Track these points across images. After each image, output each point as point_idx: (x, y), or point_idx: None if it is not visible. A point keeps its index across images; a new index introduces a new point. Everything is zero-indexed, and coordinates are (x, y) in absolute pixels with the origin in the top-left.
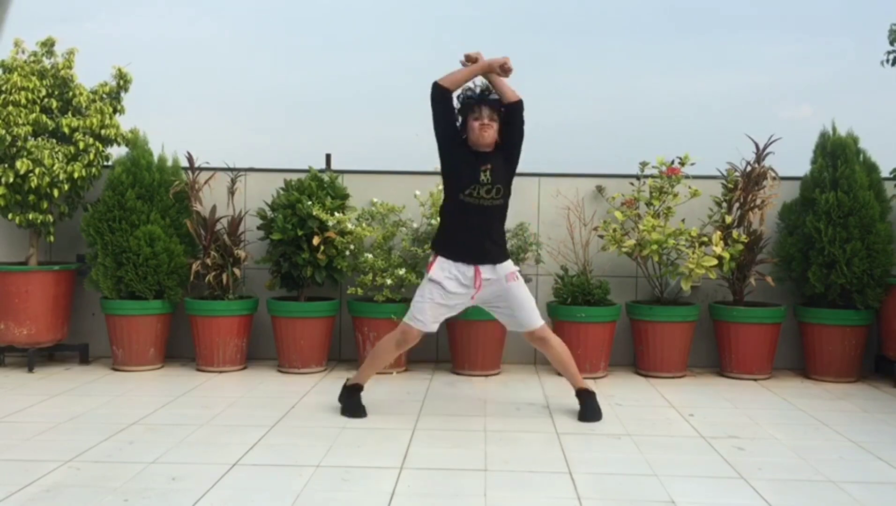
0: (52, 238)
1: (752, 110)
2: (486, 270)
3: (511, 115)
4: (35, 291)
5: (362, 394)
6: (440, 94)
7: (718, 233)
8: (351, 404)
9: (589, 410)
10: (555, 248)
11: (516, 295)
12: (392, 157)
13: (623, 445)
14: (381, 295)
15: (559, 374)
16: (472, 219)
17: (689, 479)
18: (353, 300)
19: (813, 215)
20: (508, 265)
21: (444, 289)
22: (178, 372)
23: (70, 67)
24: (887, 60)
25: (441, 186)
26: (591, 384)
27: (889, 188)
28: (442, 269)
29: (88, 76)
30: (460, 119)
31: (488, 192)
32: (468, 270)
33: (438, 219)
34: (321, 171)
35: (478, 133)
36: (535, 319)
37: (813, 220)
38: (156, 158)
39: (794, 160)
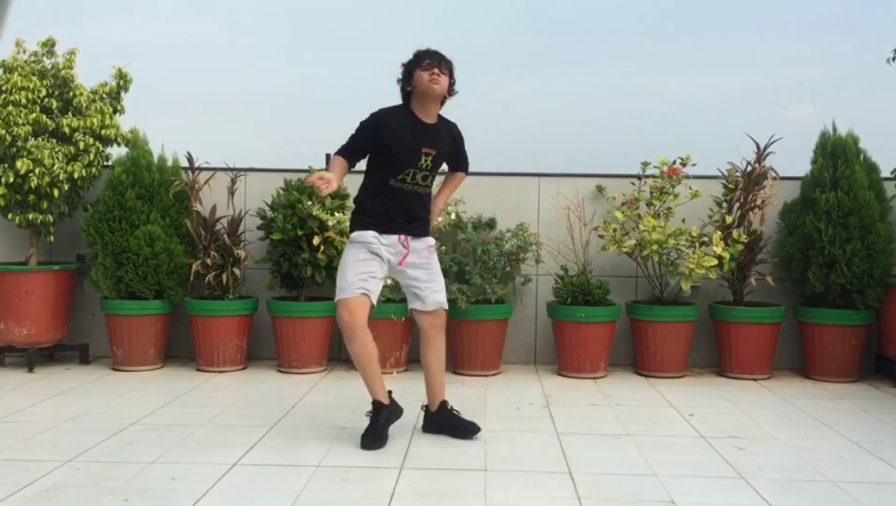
0: (52, 238)
1: (752, 110)
2: (410, 239)
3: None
4: (35, 291)
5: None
6: (351, 162)
7: (718, 233)
8: (370, 429)
9: (459, 424)
10: (555, 248)
11: (436, 268)
12: None
13: (623, 445)
14: (381, 295)
15: (559, 374)
16: (401, 200)
17: (689, 479)
18: None
19: (813, 215)
20: (430, 239)
21: (368, 244)
22: (178, 372)
23: (70, 67)
24: (893, 58)
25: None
26: (591, 384)
27: (889, 188)
28: (362, 234)
29: (89, 76)
30: (406, 73)
31: (424, 178)
32: (391, 236)
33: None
34: (321, 171)
35: (427, 83)
36: (440, 298)
37: (813, 220)
38: (156, 158)
39: (794, 160)
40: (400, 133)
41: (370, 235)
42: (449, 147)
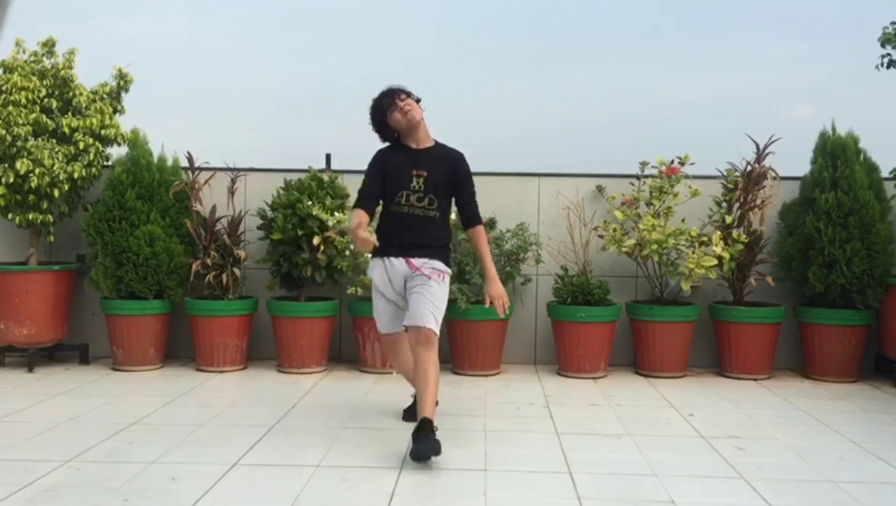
0: (52, 238)
1: (752, 110)
2: (416, 261)
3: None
4: (35, 291)
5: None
6: (371, 210)
7: (718, 233)
8: (425, 441)
9: (424, 443)
10: (555, 248)
11: (428, 290)
12: None
13: (623, 445)
14: None
15: (559, 374)
16: (404, 231)
17: (689, 479)
18: (353, 300)
19: (813, 215)
20: (438, 264)
21: (376, 287)
22: (178, 372)
23: (70, 67)
24: (882, 64)
25: None
26: (591, 384)
27: (889, 188)
28: (375, 267)
29: (89, 76)
30: (379, 123)
31: (419, 200)
32: (399, 260)
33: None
34: (321, 170)
35: (403, 119)
36: (431, 320)
37: (813, 220)
38: (156, 158)
39: (794, 160)
40: (393, 160)
41: (377, 274)
42: (447, 168)
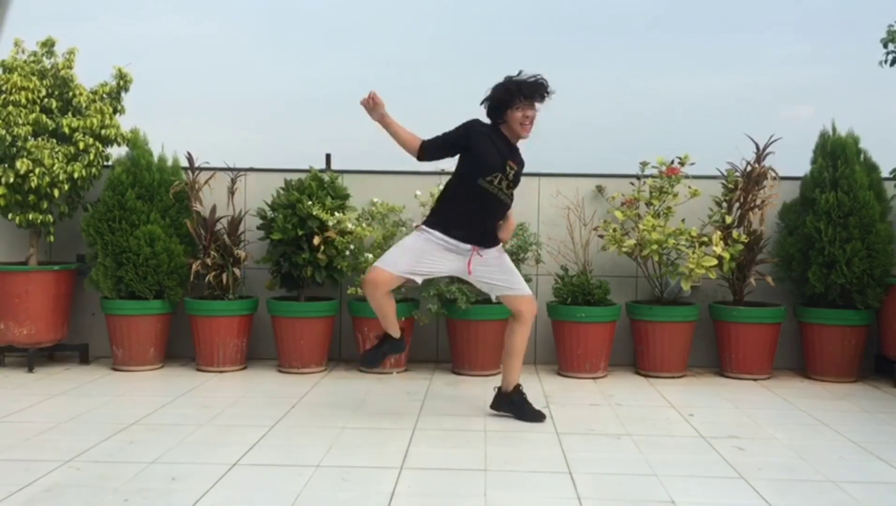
0: (52, 238)
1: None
2: (481, 250)
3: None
4: (35, 291)
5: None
6: (425, 157)
7: (718, 233)
8: (369, 349)
9: (524, 409)
10: (555, 248)
11: (508, 263)
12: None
13: (623, 445)
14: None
15: (559, 374)
16: (485, 206)
17: (689, 479)
18: (353, 300)
19: (813, 215)
20: (499, 246)
21: (436, 246)
22: (178, 372)
23: (70, 67)
24: (885, 61)
25: (441, 185)
26: (591, 384)
27: (889, 188)
28: (433, 234)
29: (89, 76)
30: (496, 106)
31: (508, 186)
32: (463, 244)
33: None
34: (321, 171)
35: (518, 128)
36: (525, 287)
37: (813, 220)
38: (156, 158)
39: (794, 160)
40: (491, 141)
41: (437, 242)
42: (520, 169)
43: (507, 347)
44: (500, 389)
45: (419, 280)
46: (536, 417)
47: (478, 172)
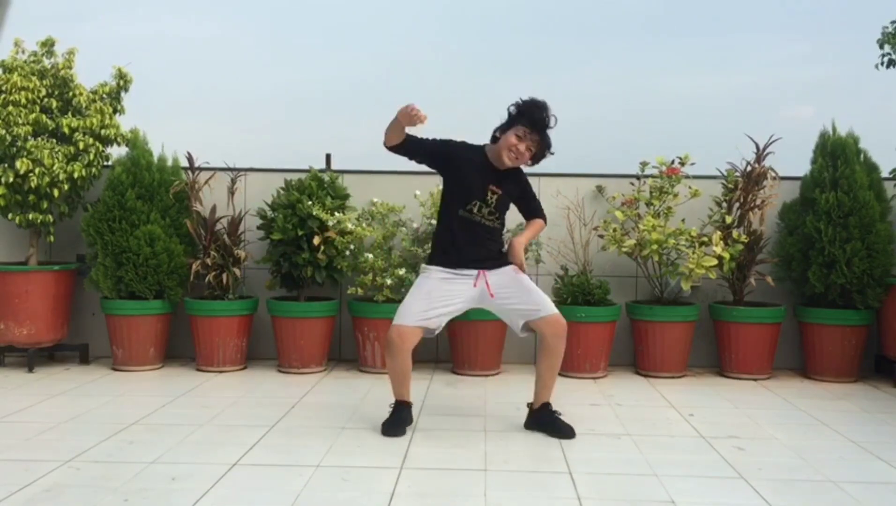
0: (52, 238)
1: (752, 110)
2: (487, 272)
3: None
4: (35, 291)
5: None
6: (395, 150)
7: (718, 233)
8: (391, 419)
9: (558, 425)
10: (555, 248)
11: (529, 283)
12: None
13: (623, 445)
14: (381, 295)
15: (559, 374)
16: (472, 234)
17: (689, 479)
18: (353, 300)
19: (813, 215)
20: (510, 266)
21: (439, 280)
22: (178, 372)
23: (70, 67)
24: (881, 63)
25: (441, 186)
26: (591, 384)
27: (889, 188)
28: (432, 270)
29: (89, 76)
30: (503, 125)
31: (490, 214)
32: (468, 270)
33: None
34: (321, 171)
35: (504, 152)
36: (551, 304)
37: (813, 220)
38: (156, 158)
39: (794, 160)
40: (473, 164)
41: (441, 276)
42: (514, 191)
43: (536, 371)
44: (530, 405)
45: (440, 322)
46: (567, 431)
47: (457, 201)
